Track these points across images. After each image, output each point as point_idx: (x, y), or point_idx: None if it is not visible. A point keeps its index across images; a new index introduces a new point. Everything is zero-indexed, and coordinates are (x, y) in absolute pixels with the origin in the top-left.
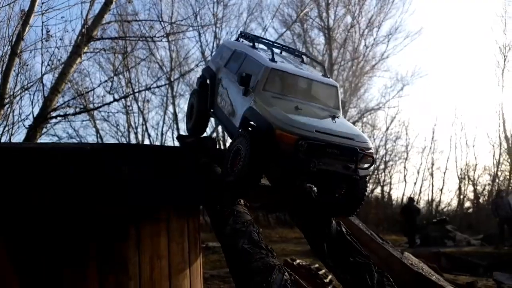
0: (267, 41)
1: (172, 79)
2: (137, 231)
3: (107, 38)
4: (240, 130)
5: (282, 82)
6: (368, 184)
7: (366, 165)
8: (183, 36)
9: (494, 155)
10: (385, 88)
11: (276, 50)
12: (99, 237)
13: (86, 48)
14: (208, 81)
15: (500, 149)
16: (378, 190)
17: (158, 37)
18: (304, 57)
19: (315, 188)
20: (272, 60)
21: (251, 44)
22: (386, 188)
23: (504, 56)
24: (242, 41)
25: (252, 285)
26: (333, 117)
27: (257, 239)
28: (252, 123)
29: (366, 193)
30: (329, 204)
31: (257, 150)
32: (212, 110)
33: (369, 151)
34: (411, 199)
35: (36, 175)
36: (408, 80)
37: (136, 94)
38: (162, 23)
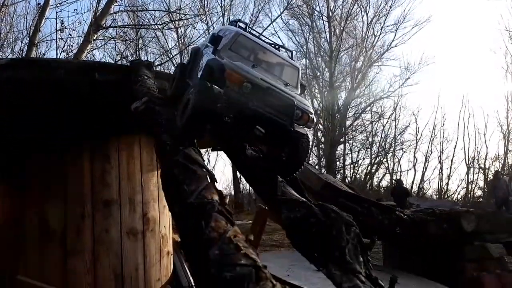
0: (247, 26)
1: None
2: (118, 139)
3: (114, 27)
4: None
5: (248, 47)
6: (309, 148)
7: (302, 123)
8: (187, 23)
9: (505, 143)
10: (394, 76)
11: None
12: (92, 139)
13: (95, 36)
14: (192, 57)
15: (509, 136)
16: (387, 178)
17: (160, 24)
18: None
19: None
20: (244, 30)
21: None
22: (396, 177)
23: None
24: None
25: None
26: (286, 85)
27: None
28: (209, 66)
29: (306, 155)
30: (269, 162)
31: (203, 96)
32: (189, 80)
33: (307, 110)
34: (399, 181)
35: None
36: (416, 68)
37: None
38: (168, 11)
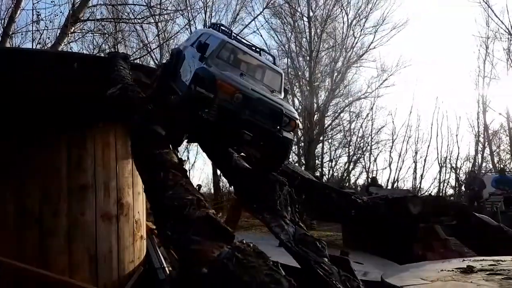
0: (232, 32)
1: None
2: (94, 128)
3: (92, 20)
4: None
5: (234, 55)
6: (291, 148)
7: (290, 129)
8: (168, 18)
9: (476, 144)
10: (372, 78)
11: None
12: (69, 128)
13: (73, 28)
14: (174, 59)
15: (478, 137)
16: (363, 176)
17: (140, 18)
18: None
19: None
20: (229, 37)
21: (218, 30)
22: (371, 175)
23: (486, 46)
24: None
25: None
26: (272, 91)
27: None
28: (199, 76)
29: (288, 154)
30: (255, 157)
31: (191, 104)
32: (172, 83)
33: (294, 117)
34: (374, 179)
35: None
36: (393, 70)
37: None
38: (148, 6)
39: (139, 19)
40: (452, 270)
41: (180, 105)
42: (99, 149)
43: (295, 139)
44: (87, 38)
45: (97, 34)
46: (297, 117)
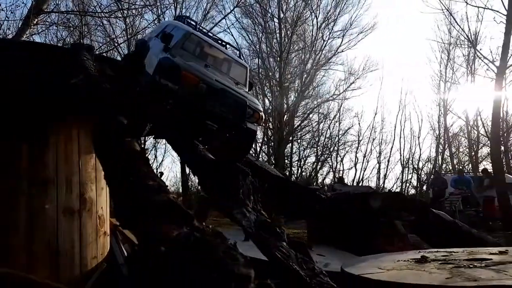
0: (197, 25)
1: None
2: (56, 120)
3: (57, 12)
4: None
5: (198, 47)
6: (255, 139)
7: (253, 121)
8: (136, 13)
9: (437, 146)
10: (339, 80)
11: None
12: (29, 119)
13: (36, 20)
14: (138, 50)
15: (439, 139)
16: (331, 176)
17: (107, 12)
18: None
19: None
20: (194, 29)
21: (183, 22)
22: (338, 175)
23: (448, 52)
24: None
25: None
26: (237, 84)
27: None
28: (163, 65)
29: (252, 145)
30: (219, 147)
31: (155, 94)
32: (136, 73)
33: (257, 109)
34: (341, 178)
35: None
36: (360, 73)
37: None
38: (115, 0)
39: (106, 13)
40: (408, 260)
41: (143, 96)
42: (61, 142)
43: (265, 139)
44: (51, 31)
45: (61, 27)
46: (261, 109)
